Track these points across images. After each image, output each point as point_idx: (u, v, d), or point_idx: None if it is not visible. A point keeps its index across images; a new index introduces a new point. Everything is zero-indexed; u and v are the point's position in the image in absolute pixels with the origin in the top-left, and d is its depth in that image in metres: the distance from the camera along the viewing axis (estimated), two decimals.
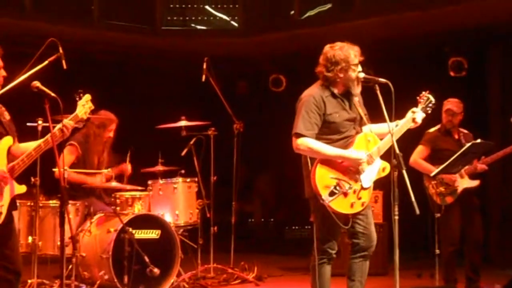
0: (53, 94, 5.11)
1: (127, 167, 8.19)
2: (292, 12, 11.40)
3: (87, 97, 5.71)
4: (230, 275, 8.71)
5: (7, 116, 5.42)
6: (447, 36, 10.69)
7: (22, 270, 5.38)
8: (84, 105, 5.65)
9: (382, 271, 8.71)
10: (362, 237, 5.79)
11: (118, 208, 7.62)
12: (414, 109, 5.91)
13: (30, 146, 5.33)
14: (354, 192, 5.64)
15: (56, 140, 5.23)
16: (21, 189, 5.32)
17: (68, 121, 5.45)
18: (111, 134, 8.17)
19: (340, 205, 5.58)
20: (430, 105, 5.99)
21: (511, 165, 10.41)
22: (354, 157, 5.61)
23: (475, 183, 7.81)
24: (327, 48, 5.77)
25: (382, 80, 5.57)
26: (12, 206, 5.25)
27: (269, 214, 14.26)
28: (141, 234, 7.47)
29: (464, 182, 7.74)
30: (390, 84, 5.46)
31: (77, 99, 5.67)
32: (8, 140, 5.26)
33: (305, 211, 6.81)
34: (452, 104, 7.95)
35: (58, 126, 5.30)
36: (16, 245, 5.43)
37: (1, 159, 5.20)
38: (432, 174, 7.65)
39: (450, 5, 9.59)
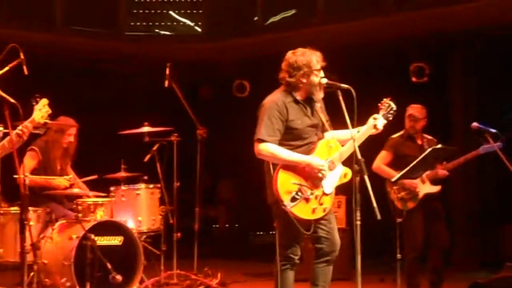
0: (12, 100, 5.08)
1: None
2: (256, 18, 11.41)
3: (44, 101, 5.68)
4: (194, 281, 8.69)
5: None
6: (409, 42, 10.77)
7: None
8: (41, 109, 5.61)
9: (345, 276, 8.72)
10: (325, 242, 5.81)
11: (80, 215, 7.54)
12: (375, 115, 5.93)
13: None
14: (316, 197, 5.64)
15: (13, 145, 5.18)
16: None
17: (26, 125, 5.40)
18: (71, 139, 8.09)
19: (301, 211, 5.59)
20: (391, 111, 6.01)
21: (473, 171, 10.53)
22: (315, 164, 5.62)
23: (436, 188, 7.87)
24: (289, 54, 5.80)
25: (344, 86, 5.59)
26: None
27: (233, 219, 14.24)
28: (103, 240, 7.40)
29: (425, 188, 7.80)
30: (352, 90, 5.47)
31: (34, 103, 5.63)
32: None
33: (269, 217, 6.81)
34: (414, 110, 8.03)
35: (16, 131, 5.26)
36: None
37: None
38: (393, 180, 7.70)
39: (412, 11, 9.68)
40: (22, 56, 6.81)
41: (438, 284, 7.95)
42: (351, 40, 10.91)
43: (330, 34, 10.48)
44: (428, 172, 7.79)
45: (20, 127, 5.33)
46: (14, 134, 5.25)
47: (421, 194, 7.78)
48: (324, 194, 5.68)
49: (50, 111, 5.71)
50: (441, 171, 7.86)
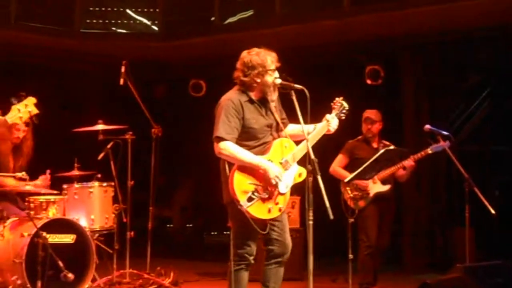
0: None
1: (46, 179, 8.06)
2: (213, 18, 11.41)
3: (30, 100, 5.43)
4: (146, 280, 8.65)
5: None
6: (363, 44, 10.88)
7: None
8: (20, 109, 5.38)
9: (298, 276, 8.76)
10: (277, 243, 5.84)
11: (32, 212, 7.48)
12: (327, 115, 5.97)
13: None
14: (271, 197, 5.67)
15: None
16: None
17: None
18: (20, 135, 7.99)
19: (257, 211, 5.61)
20: (344, 111, 6.07)
21: (424, 172, 10.65)
22: (272, 173, 5.62)
23: (386, 187, 8.03)
24: (244, 53, 5.83)
25: (298, 86, 5.63)
26: None
27: (187, 219, 14.22)
28: (55, 238, 7.35)
29: (375, 187, 7.98)
30: (306, 91, 5.51)
31: (14, 102, 5.43)
32: None
33: (223, 217, 6.82)
34: (370, 113, 8.26)
35: None
36: None
37: None
38: (346, 180, 7.88)
39: (366, 14, 9.77)
40: None
41: (372, 284, 8.08)
42: (308, 41, 10.98)
43: (287, 35, 10.53)
44: (380, 173, 7.92)
45: None
46: None
47: (371, 193, 7.95)
48: (280, 193, 5.71)
49: (36, 111, 5.43)
50: (408, 162, 7.95)
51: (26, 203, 7.62)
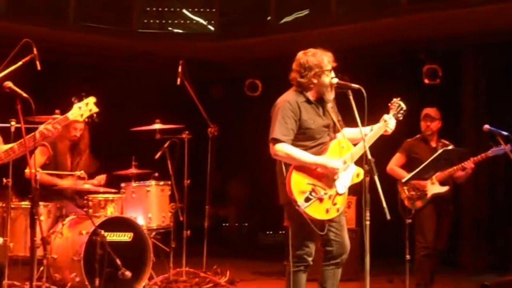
0: (25, 95, 5.09)
1: (102, 179, 8.15)
2: (269, 17, 11.42)
3: (90, 99, 5.58)
4: (202, 279, 8.68)
5: None
6: (422, 43, 10.76)
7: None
8: (81, 107, 5.53)
9: (354, 277, 8.71)
10: (335, 244, 5.80)
11: (90, 210, 7.59)
12: (385, 116, 5.93)
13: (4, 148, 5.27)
14: (330, 198, 5.64)
15: (39, 142, 5.19)
16: None
17: (55, 125, 5.37)
18: (77, 134, 8.07)
19: (315, 211, 5.58)
20: (402, 111, 6.02)
21: (483, 174, 10.50)
22: (331, 166, 5.61)
23: (444, 188, 7.92)
24: (300, 54, 5.80)
25: (355, 86, 5.60)
26: None
27: (243, 219, 14.25)
28: (113, 236, 7.43)
29: (433, 188, 7.87)
30: (363, 90, 5.48)
31: (75, 101, 5.57)
32: None
33: (279, 217, 6.82)
34: (430, 110, 8.18)
35: (42, 126, 5.25)
36: None
37: None
38: (403, 180, 7.79)
39: (424, 13, 9.67)
40: (35, 52, 6.84)
41: (429, 284, 7.99)
42: (364, 40, 10.91)
43: (343, 35, 10.48)
44: (438, 173, 7.82)
45: (48, 126, 5.30)
46: (38, 132, 5.24)
47: (429, 194, 7.86)
48: (338, 194, 5.68)
49: (97, 110, 5.57)
50: (468, 164, 7.84)
51: (85, 201, 7.71)
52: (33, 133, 5.22)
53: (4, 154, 5.21)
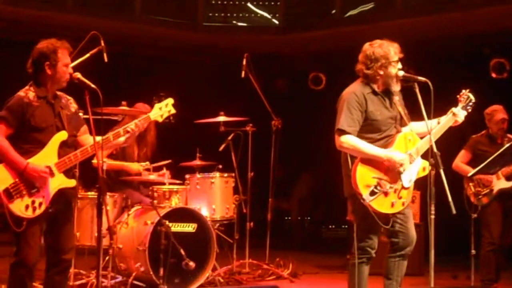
0: (93, 86, 5.17)
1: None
2: (334, 11, 11.38)
3: (169, 100, 5.76)
4: (265, 271, 8.71)
5: (72, 108, 5.50)
6: (489, 37, 10.61)
7: (71, 259, 5.55)
8: (161, 108, 5.70)
9: (418, 271, 8.64)
10: (401, 236, 5.76)
11: (155, 201, 7.66)
12: (453, 109, 5.87)
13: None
14: (395, 191, 5.60)
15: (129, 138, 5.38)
16: (69, 183, 5.36)
17: (137, 123, 5.52)
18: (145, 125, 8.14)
19: (380, 205, 5.55)
20: (470, 103, 5.95)
21: None
22: (397, 159, 5.58)
23: (510, 184, 7.80)
24: (366, 45, 5.77)
25: (421, 78, 5.55)
26: (60, 198, 5.31)
27: (306, 212, 14.24)
28: (177, 227, 7.49)
29: (499, 183, 7.77)
30: (430, 83, 5.43)
31: (156, 101, 5.70)
32: (61, 135, 5.31)
33: (342, 210, 6.81)
34: (502, 112, 8.05)
35: (130, 125, 5.45)
36: (64, 235, 5.46)
37: (51, 153, 5.25)
38: (469, 175, 7.73)
39: (492, 6, 9.52)
40: (102, 44, 6.96)
41: (495, 280, 7.90)
42: (429, 34, 10.81)
43: (408, 28, 10.39)
44: (504, 168, 7.72)
45: (132, 125, 5.50)
46: (122, 130, 5.39)
47: (495, 190, 7.75)
48: (403, 187, 5.64)
49: (174, 111, 5.77)
50: None
51: (150, 192, 7.79)
52: (119, 129, 5.37)
53: (80, 152, 5.31)
